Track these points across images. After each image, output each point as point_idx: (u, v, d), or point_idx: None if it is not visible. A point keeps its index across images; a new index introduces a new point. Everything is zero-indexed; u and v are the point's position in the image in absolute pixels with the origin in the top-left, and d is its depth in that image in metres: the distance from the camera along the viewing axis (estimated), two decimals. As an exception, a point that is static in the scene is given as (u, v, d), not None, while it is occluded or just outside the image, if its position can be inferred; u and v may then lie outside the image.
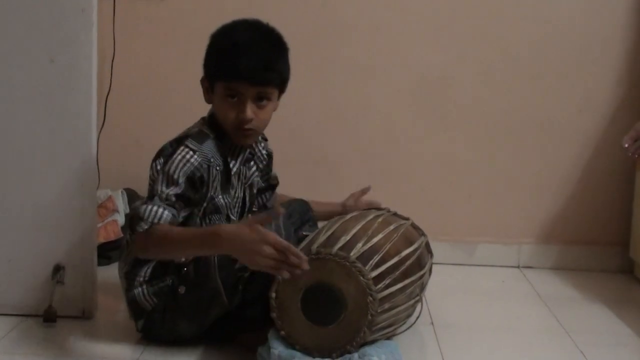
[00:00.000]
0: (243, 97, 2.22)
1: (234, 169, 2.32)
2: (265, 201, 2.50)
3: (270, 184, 2.54)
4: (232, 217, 2.30)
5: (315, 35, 3.21)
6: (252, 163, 2.40)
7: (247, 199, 2.38)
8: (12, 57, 2.40)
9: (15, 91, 2.41)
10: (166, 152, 2.24)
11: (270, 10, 3.11)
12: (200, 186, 2.21)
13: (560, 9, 3.16)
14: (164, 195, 2.14)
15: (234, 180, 2.32)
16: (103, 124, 3.14)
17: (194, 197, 2.20)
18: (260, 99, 2.24)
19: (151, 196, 2.15)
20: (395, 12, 3.20)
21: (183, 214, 2.18)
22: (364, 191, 2.66)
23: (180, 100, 3.15)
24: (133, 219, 2.13)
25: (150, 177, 2.25)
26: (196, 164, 2.18)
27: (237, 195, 2.34)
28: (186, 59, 3.11)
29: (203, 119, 2.35)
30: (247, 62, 2.18)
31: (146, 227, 2.09)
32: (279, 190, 2.61)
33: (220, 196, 2.28)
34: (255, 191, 2.42)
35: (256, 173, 2.42)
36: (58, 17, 2.37)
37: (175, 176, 2.16)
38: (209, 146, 2.24)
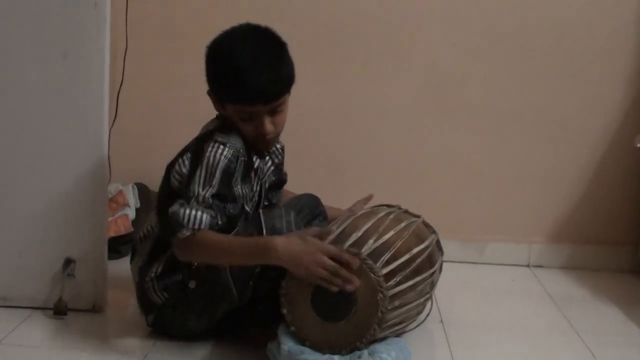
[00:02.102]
0: (259, 115, 2.19)
1: (257, 163, 2.32)
2: (272, 198, 2.50)
3: (279, 180, 2.53)
4: (247, 208, 2.29)
5: (325, 34, 3.20)
6: (267, 158, 2.39)
7: (262, 193, 2.38)
8: (25, 52, 2.40)
9: (28, 86, 2.42)
10: (192, 148, 2.23)
11: (281, 8, 3.12)
12: (233, 178, 2.20)
13: (573, 6, 3.15)
14: (201, 198, 2.11)
15: (252, 174, 2.31)
16: (115, 118, 3.14)
17: (229, 192, 2.19)
18: (275, 111, 2.21)
19: (188, 198, 2.12)
20: (407, 9, 3.18)
21: (220, 213, 2.16)
22: (367, 199, 2.65)
23: (192, 96, 3.13)
24: (172, 223, 2.11)
25: (176, 172, 2.23)
26: (230, 156, 2.16)
27: (254, 188, 2.33)
28: (198, 54, 3.10)
29: (218, 117, 2.33)
30: (254, 86, 2.14)
31: (188, 233, 2.09)
32: (287, 187, 2.61)
33: (239, 186, 2.25)
34: (267, 186, 2.42)
35: (272, 168, 2.42)
36: (71, 12, 2.38)
37: (211, 175, 2.13)
38: (236, 137, 2.21)
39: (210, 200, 2.12)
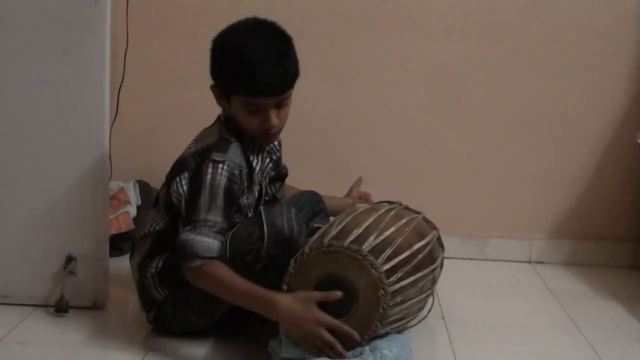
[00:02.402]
0: (265, 108, 2.20)
1: (257, 168, 2.32)
2: (275, 191, 2.49)
3: (279, 174, 2.53)
4: (250, 213, 2.30)
5: (328, 32, 3.20)
6: (266, 156, 2.39)
7: (263, 190, 2.38)
8: (26, 49, 2.40)
9: (29, 83, 2.41)
10: (190, 166, 2.21)
11: (283, 6, 3.12)
12: (237, 196, 2.21)
13: (575, 5, 3.14)
14: (210, 223, 2.12)
15: (256, 177, 2.31)
16: (115, 115, 3.14)
17: (232, 210, 2.20)
18: (280, 104, 2.22)
19: (194, 224, 2.13)
20: (409, 8, 3.18)
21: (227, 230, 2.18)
22: (358, 182, 2.67)
23: (193, 93, 3.14)
24: (184, 252, 2.11)
25: (175, 191, 2.21)
26: (228, 175, 2.16)
27: (256, 191, 2.33)
28: (200, 51, 3.10)
29: (219, 119, 2.32)
30: (264, 78, 2.14)
31: (200, 263, 2.10)
32: (289, 182, 2.61)
33: (244, 197, 2.27)
34: (267, 182, 2.42)
35: (270, 165, 2.42)
36: (71, 9, 2.37)
37: (215, 198, 2.14)
38: (234, 151, 2.21)
39: (220, 224, 2.14)
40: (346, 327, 2.04)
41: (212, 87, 2.27)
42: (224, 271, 2.11)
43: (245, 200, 2.28)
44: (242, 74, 2.16)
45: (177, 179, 2.22)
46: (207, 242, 2.11)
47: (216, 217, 2.13)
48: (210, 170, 2.16)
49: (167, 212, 2.27)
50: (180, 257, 2.13)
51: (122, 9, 3.15)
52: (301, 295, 2.07)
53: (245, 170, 2.23)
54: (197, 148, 2.25)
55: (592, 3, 3.14)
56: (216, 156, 2.18)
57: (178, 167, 2.25)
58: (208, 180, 2.15)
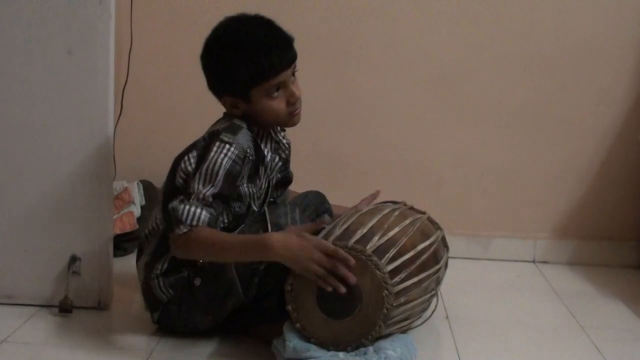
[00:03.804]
0: (285, 84, 2.22)
1: (268, 157, 2.32)
2: (276, 197, 2.48)
3: (285, 178, 2.52)
4: (254, 207, 2.29)
5: (330, 31, 3.20)
6: (274, 145, 2.38)
7: (270, 190, 2.38)
8: (30, 49, 2.40)
9: (33, 83, 2.41)
10: (200, 145, 2.23)
11: (284, 6, 3.12)
12: (238, 179, 2.20)
13: (577, 2, 3.14)
14: (201, 195, 2.12)
15: (261, 171, 2.31)
16: (120, 115, 3.14)
17: (231, 193, 2.19)
18: (293, 75, 2.26)
19: (188, 195, 2.13)
20: (411, 5, 3.18)
21: (220, 212, 2.17)
22: (374, 195, 2.65)
23: (197, 92, 3.13)
24: (170, 219, 2.12)
25: (182, 170, 2.22)
26: (234, 157, 2.16)
27: (262, 186, 2.33)
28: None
29: (225, 116, 2.33)
30: (276, 53, 2.18)
31: (185, 230, 2.09)
32: (292, 185, 2.61)
33: (245, 185, 2.26)
34: (274, 183, 2.41)
35: (279, 164, 2.41)
36: (76, 9, 2.37)
37: (213, 174, 2.13)
38: (244, 135, 2.22)
39: (211, 199, 2.12)
40: (342, 252, 2.03)
41: (224, 99, 2.27)
42: (209, 232, 2.10)
43: (247, 189, 2.26)
44: (256, 61, 2.17)
45: (186, 158, 2.23)
46: (194, 211, 2.09)
47: (209, 192, 2.12)
48: (215, 148, 2.16)
49: (164, 210, 2.27)
50: (169, 226, 2.14)
51: (126, 9, 3.15)
52: (292, 228, 2.10)
53: (251, 158, 2.23)
54: (207, 132, 2.27)
55: (595, 1, 3.14)
56: (225, 136, 2.18)
57: (188, 148, 2.26)
58: (211, 157, 2.15)
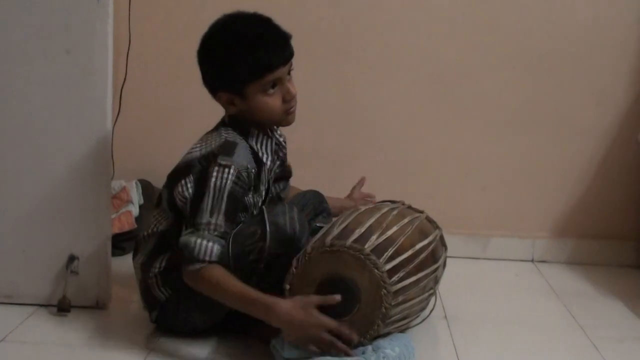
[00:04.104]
0: (281, 81, 2.22)
1: (268, 163, 2.32)
2: (279, 191, 2.49)
3: (284, 173, 2.52)
4: (255, 211, 2.30)
5: (328, 30, 3.20)
6: (274, 146, 2.37)
7: (269, 188, 2.38)
8: (29, 49, 2.40)
9: (31, 82, 2.41)
10: (196, 170, 2.21)
11: (284, 5, 3.12)
12: (241, 199, 2.20)
13: (576, 2, 3.14)
14: (212, 226, 2.12)
15: (263, 177, 2.31)
16: (118, 115, 3.14)
17: (237, 214, 2.20)
18: (289, 73, 2.26)
19: (197, 227, 2.12)
20: (409, 4, 3.18)
21: (230, 232, 2.18)
22: (361, 183, 2.66)
23: (195, 92, 3.14)
24: (184, 254, 2.12)
25: (180, 194, 2.21)
26: (234, 178, 2.15)
27: (263, 190, 2.33)
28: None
29: (223, 123, 2.32)
30: (272, 48, 2.18)
31: (199, 266, 2.10)
32: (291, 183, 2.61)
33: (250, 196, 2.27)
34: (272, 180, 2.42)
35: (278, 163, 2.42)
36: (74, 8, 2.37)
37: (219, 201, 2.13)
38: (241, 153, 2.21)
39: (223, 228, 2.13)
40: (345, 330, 2.04)
41: (219, 95, 2.26)
42: (223, 275, 2.11)
43: (252, 199, 2.28)
44: (253, 56, 2.17)
45: (183, 182, 2.22)
46: (207, 245, 2.10)
47: (219, 221, 2.13)
48: (215, 174, 2.15)
49: (171, 210, 2.27)
50: (182, 258, 2.13)
51: (125, 8, 3.15)
52: (300, 299, 2.07)
53: (253, 171, 2.23)
54: (202, 152, 2.24)
55: (593, 2, 3.14)
56: (222, 160, 2.17)
57: (183, 171, 2.24)
58: (212, 184, 2.14)
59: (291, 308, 2.04)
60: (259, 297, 2.08)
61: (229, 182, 2.15)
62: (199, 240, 2.10)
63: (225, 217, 2.14)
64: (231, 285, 2.10)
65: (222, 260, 2.13)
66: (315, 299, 2.06)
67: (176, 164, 2.30)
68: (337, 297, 2.06)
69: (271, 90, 2.22)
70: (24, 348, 2.23)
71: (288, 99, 2.25)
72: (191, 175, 2.21)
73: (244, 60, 2.18)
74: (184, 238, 2.13)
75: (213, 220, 2.12)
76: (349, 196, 2.72)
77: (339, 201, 2.66)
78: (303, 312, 2.03)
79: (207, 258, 2.10)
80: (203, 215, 2.13)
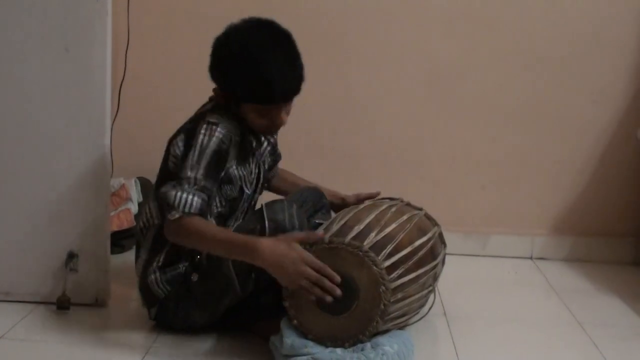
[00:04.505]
0: (278, 111, 2.23)
1: (254, 143, 2.33)
2: (271, 177, 2.53)
3: (276, 160, 2.56)
4: (247, 190, 2.31)
5: (328, 28, 3.20)
6: (263, 139, 2.40)
7: (262, 174, 2.39)
8: (27, 47, 2.40)
9: (30, 80, 2.42)
10: (186, 127, 2.24)
11: (283, 3, 3.12)
12: (226, 159, 2.21)
13: (577, 1, 3.14)
14: (192, 180, 2.13)
15: (250, 156, 2.32)
16: (117, 113, 3.14)
17: (220, 172, 2.20)
18: (290, 104, 2.26)
19: (179, 180, 2.13)
20: (410, 4, 3.18)
21: (212, 192, 2.18)
22: (371, 195, 2.64)
23: (194, 89, 3.13)
24: (163, 205, 2.13)
25: (172, 154, 2.24)
26: (221, 136, 2.17)
27: (252, 170, 2.34)
28: (200, 48, 3.10)
29: (211, 99, 2.33)
30: (283, 90, 2.18)
31: (177, 215, 2.10)
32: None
33: (234, 167, 2.27)
34: (266, 167, 2.43)
35: (268, 148, 2.43)
36: (73, 7, 2.38)
37: (202, 156, 2.14)
38: (227, 119, 2.22)
39: (203, 182, 2.13)
40: (329, 270, 2.04)
41: (218, 91, 2.27)
42: (203, 223, 2.11)
43: (236, 172, 2.28)
44: (262, 90, 2.17)
45: (174, 141, 2.25)
46: (186, 198, 2.10)
47: (199, 176, 2.13)
48: (203, 130, 2.18)
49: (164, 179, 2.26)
50: (161, 211, 2.15)
51: (123, 6, 3.16)
52: (282, 236, 2.08)
53: (237, 139, 2.24)
54: (193, 115, 2.28)
55: (592, 0, 3.14)
56: (211, 118, 2.20)
57: (176, 131, 2.28)
58: (199, 140, 2.16)
59: (274, 244, 2.04)
60: (241, 237, 2.09)
61: (215, 138, 2.16)
62: (178, 193, 2.10)
63: (208, 173, 2.14)
64: (211, 231, 2.11)
65: (203, 214, 2.13)
66: (298, 234, 2.08)
67: None
68: (321, 234, 2.08)
69: (265, 113, 2.22)
70: (23, 345, 2.23)
71: (276, 125, 2.27)
72: (182, 134, 2.24)
73: (254, 84, 2.17)
74: (163, 189, 2.13)
75: (193, 175, 2.13)
76: (346, 197, 2.67)
77: (331, 194, 2.64)
78: (285, 245, 2.04)
79: (186, 210, 2.09)
80: (186, 169, 2.14)
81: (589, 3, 3.14)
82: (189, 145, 2.18)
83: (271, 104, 2.20)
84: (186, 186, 2.12)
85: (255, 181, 2.36)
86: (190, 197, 2.11)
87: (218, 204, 2.24)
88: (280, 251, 2.03)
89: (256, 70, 2.15)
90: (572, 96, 3.20)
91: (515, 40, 3.18)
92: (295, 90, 2.21)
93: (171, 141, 2.27)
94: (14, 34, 2.40)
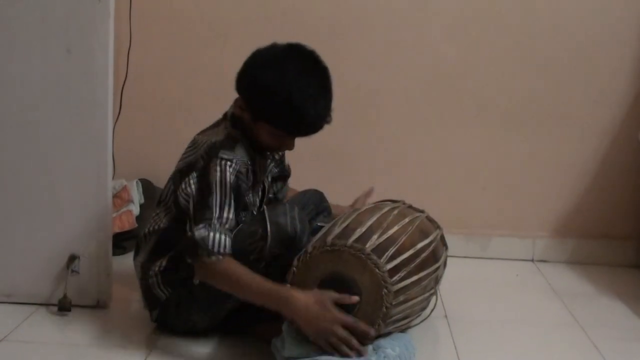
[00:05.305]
0: (293, 138, 2.25)
1: (259, 165, 2.32)
2: (276, 191, 2.51)
3: (282, 173, 2.54)
4: (254, 211, 2.31)
5: (329, 28, 3.20)
6: (267, 153, 2.39)
7: (266, 189, 2.39)
8: (30, 48, 2.40)
9: (33, 82, 2.41)
10: (198, 167, 2.21)
11: (286, 5, 3.12)
12: (243, 193, 2.21)
13: (577, 3, 3.14)
14: (224, 220, 2.12)
15: (259, 176, 2.32)
16: (119, 114, 3.14)
17: (240, 206, 2.20)
18: None
19: (208, 221, 2.11)
20: (412, 4, 3.18)
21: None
22: (368, 194, 2.65)
23: (196, 91, 3.15)
24: (197, 247, 2.11)
25: (184, 192, 2.22)
26: (236, 173, 2.16)
27: (259, 189, 2.35)
28: (202, 50, 3.12)
29: (225, 118, 2.31)
30: (310, 128, 2.21)
31: (214, 258, 2.10)
32: (292, 183, 2.61)
33: (250, 194, 2.28)
34: (270, 180, 2.42)
35: (272, 163, 2.43)
36: (75, 8, 2.38)
37: (226, 195, 2.14)
38: (241, 150, 2.21)
39: (234, 222, 2.14)
40: (362, 325, 2.04)
41: (241, 102, 2.24)
42: (238, 268, 2.11)
43: (251, 199, 2.29)
44: (293, 122, 2.18)
45: (186, 180, 2.22)
46: (220, 238, 2.10)
47: (228, 214, 2.13)
48: (218, 168, 2.16)
49: (176, 208, 2.27)
50: (193, 254, 2.13)
51: (125, 8, 3.15)
52: (318, 293, 2.07)
53: (251, 168, 2.24)
54: (205, 148, 2.23)
55: (594, 2, 3.14)
56: (224, 154, 2.17)
57: (188, 168, 2.24)
58: (217, 178, 2.15)
59: (308, 301, 2.04)
60: (275, 287, 2.08)
61: (232, 176, 2.15)
62: (211, 234, 2.10)
63: (231, 209, 2.14)
64: (248, 278, 2.10)
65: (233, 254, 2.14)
66: (334, 295, 2.06)
67: (179, 159, 2.31)
68: (356, 298, 2.06)
69: (280, 137, 2.23)
70: (24, 347, 2.23)
71: (284, 149, 2.29)
72: (194, 172, 2.21)
73: (287, 115, 2.16)
74: (196, 233, 2.11)
75: (224, 215, 2.13)
76: (352, 206, 2.67)
77: (336, 209, 2.64)
78: (319, 306, 2.03)
79: (222, 251, 2.10)
80: (212, 209, 2.13)
81: (590, 5, 3.14)
82: (205, 184, 2.16)
83: (297, 135, 2.22)
84: (218, 226, 2.11)
85: (260, 194, 2.36)
86: (224, 237, 2.11)
87: None
88: (314, 310, 2.03)
89: (292, 104, 2.14)
90: (574, 98, 3.20)
91: (516, 42, 3.17)
92: (321, 127, 2.23)
93: (181, 178, 2.24)
94: (16, 35, 2.40)
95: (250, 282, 2.10)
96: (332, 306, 2.04)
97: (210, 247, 2.09)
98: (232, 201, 2.14)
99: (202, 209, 2.14)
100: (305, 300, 2.04)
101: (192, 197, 2.19)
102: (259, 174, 2.32)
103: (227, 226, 2.12)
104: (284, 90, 2.13)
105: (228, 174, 2.15)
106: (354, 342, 2.03)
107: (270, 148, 2.29)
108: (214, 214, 2.12)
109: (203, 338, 2.29)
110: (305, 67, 2.19)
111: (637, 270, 3.20)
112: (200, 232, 2.11)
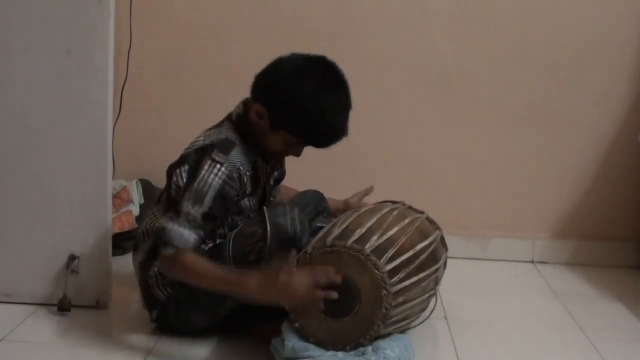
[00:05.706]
0: (303, 147, 2.26)
1: (261, 169, 2.32)
2: (274, 196, 2.49)
3: (280, 176, 2.52)
4: (251, 215, 2.30)
5: (329, 28, 3.20)
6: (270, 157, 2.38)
7: (267, 193, 2.38)
8: (29, 48, 2.40)
9: (32, 82, 2.41)
10: (190, 160, 2.20)
11: (287, 6, 3.12)
12: (230, 199, 2.20)
13: (578, 5, 3.14)
14: (190, 217, 2.12)
15: (262, 178, 2.32)
16: (119, 114, 3.14)
17: (220, 212, 2.19)
18: None
19: (177, 212, 2.12)
20: (410, 4, 3.18)
21: (208, 231, 2.18)
22: (367, 191, 2.65)
23: (196, 91, 3.15)
24: (159, 238, 2.12)
25: (174, 183, 2.20)
26: (224, 177, 2.15)
27: (259, 194, 2.34)
28: (202, 50, 3.11)
29: (229, 119, 2.30)
30: (329, 142, 2.22)
31: (171, 251, 2.10)
32: (292, 183, 2.60)
33: (246, 199, 2.27)
34: (272, 183, 2.42)
35: (272, 170, 2.42)
36: (75, 8, 2.37)
37: (203, 194, 2.13)
38: (236, 154, 2.20)
39: (200, 220, 2.12)
40: (331, 272, 2.05)
41: (257, 106, 2.22)
42: (194, 260, 2.10)
43: (248, 203, 2.28)
44: (316, 134, 2.20)
45: (178, 171, 2.21)
46: (183, 233, 2.10)
47: (197, 213, 2.12)
48: (207, 167, 2.15)
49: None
50: (158, 243, 2.14)
51: (126, 8, 3.15)
52: (274, 268, 2.08)
53: (248, 174, 2.23)
54: (201, 144, 2.24)
55: (594, 3, 3.14)
56: (217, 156, 2.17)
57: (180, 160, 2.24)
58: (201, 176, 2.14)
59: (264, 280, 2.04)
60: (232, 276, 2.08)
61: (217, 178, 2.15)
62: (175, 227, 2.10)
63: (206, 212, 2.13)
64: (204, 269, 2.10)
65: (196, 250, 2.13)
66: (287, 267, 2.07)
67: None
68: (338, 277, 2.07)
69: (293, 145, 2.24)
70: (24, 347, 2.23)
71: (292, 155, 2.29)
72: (186, 165, 2.21)
73: (310, 124, 2.17)
74: (161, 221, 2.13)
75: (192, 211, 2.12)
76: (348, 199, 2.68)
77: (334, 203, 2.64)
78: (280, 280, 2.02)
79: (180, 245, 2.09)
80: (185, 203, 2.13)
81: (591, 6, 3.14)
82: (191, 178, 2.16)
83: (318, 147, 2.23)
84: (183, 221, 2.11)
85: (260, 201, 2.36)
86: (186, 231, 2.10)
87: (223, 232, 2.24)
88: (272, 287, 2.03)
89: (325, 119, 2.17)
90: (574, 99, 3.20)
91: (517, 42, 3.17)
92: (338, 141, 2.24)
93: (173, 169, 2.23)
94: (15, 35, 2.40)
95: (207, 272, 2.09)
96: (305, 272, 2.05)
97: (168, 238, 2.09)
98: (210, 204, 2.13)
99: (179, 200, 2.15)
100: (261, 281, 2.03)
101: (180, 188, 2.18)
102: (262, 178, 2.32)
103: (194, 224, 2.11)
104: (319, 107, 2.15)
105: (213, 174, 2.15)
106: (324, 282, 2.04)
107: (278, 153, 2.29)
108: (182, 208, 2.12)
109: (203, 338, 2.29)
110: (333, 82, 2.23)
111: (637, 271, 3.21)
112: (164, 221, 2.13)
